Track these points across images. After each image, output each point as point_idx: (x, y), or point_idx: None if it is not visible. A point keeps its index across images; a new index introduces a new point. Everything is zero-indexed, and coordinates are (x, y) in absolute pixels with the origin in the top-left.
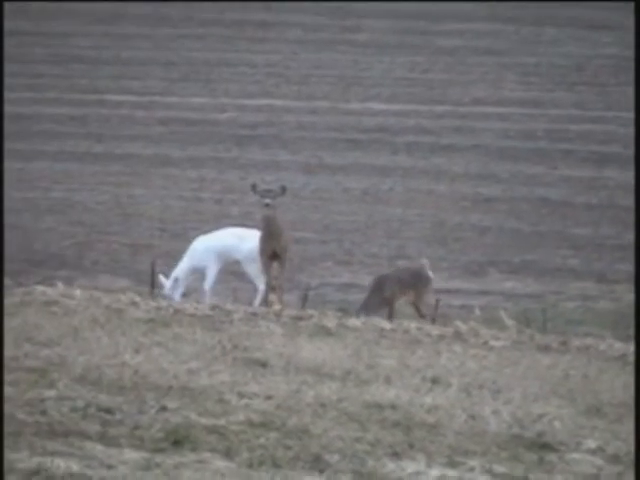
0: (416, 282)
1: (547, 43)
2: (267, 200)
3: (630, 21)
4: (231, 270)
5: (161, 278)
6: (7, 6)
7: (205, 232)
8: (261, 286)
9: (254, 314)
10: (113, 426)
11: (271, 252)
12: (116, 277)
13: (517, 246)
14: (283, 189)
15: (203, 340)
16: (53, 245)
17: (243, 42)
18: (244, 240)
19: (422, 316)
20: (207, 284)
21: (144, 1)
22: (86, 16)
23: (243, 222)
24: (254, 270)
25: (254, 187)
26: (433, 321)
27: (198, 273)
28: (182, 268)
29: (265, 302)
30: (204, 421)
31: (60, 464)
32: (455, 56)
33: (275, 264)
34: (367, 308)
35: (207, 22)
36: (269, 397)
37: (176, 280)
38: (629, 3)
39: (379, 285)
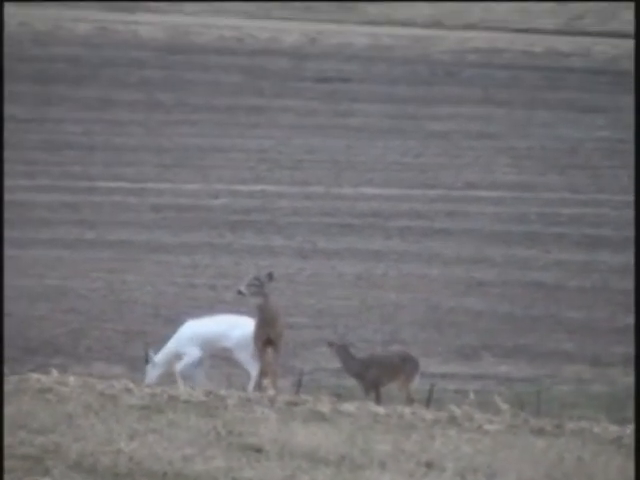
0: (405, 366)
1: (539, 126)
2: (240, 288)
3: (622, 103)
4: (223, 356)
5: (151, 354)
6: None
7: (195, 316)
8: (253, 372)
9: (248, 400)
10: None
11: (266, 338)
12: (110, 364)
13: (511, 330)
14: (270, 276)
15: (197, 426)
16: (47, 332)
17: (235, 127)
18: (235, 327)
19: (411, 400)
20: (179, 365)
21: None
22: (78, 102)
23: (238, 308)
24: (245, 357)
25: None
26: (427, 405)
27: (179, 358)
28: (164, 352)
29: (259, 387)
30: None
31: None
32: (447, 140)
33: (269, 350)
34: (345, 367)
35: (199, 108)
36: None
37: (154, 363)
38: (620, 86)
39: (365, 365)
